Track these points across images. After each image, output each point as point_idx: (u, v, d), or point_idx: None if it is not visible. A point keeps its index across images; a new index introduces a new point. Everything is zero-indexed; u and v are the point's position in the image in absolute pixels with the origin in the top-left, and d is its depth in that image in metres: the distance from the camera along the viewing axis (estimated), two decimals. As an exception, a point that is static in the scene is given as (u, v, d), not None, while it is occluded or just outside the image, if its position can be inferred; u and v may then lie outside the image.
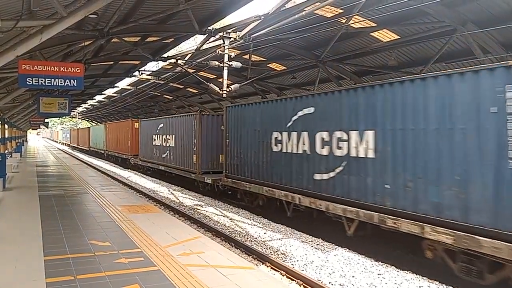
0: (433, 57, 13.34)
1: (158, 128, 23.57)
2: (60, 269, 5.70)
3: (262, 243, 10.22)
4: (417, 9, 10.50)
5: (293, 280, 7.73)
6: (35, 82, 9.24)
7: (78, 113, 54.55)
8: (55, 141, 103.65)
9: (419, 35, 12.66)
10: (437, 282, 7.63)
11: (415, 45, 13.80)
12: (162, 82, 23.88)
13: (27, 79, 9.17)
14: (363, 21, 12.31)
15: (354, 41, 14.72)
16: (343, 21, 12.49)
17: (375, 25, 12.75)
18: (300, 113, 11.91)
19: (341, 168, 10.21)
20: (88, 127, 51.19)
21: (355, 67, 16.85)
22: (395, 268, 8.42)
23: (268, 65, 18.98)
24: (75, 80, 9.70)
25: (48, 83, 9.38)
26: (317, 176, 11.02)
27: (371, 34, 13.58)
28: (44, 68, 9.37)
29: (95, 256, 6.35)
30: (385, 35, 13.47)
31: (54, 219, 9.08)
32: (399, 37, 13.30)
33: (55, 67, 9.48)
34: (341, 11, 12.07)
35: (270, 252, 9.49)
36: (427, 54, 13.86)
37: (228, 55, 13.21)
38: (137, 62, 19.54)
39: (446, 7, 10.75)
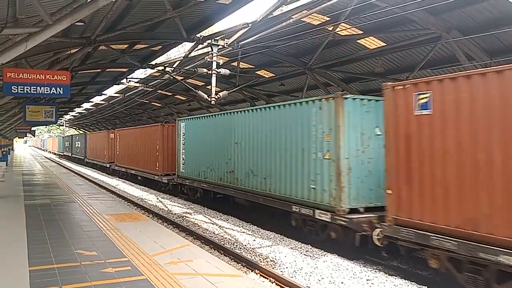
0: (419, 63, 13.51)
1: None
2: (45, 279, 5.60)
3: (251, 250, 10.18)
4: (403, 16, 10.66)
5: (282, 287, 7.71)
6: (21, 90, 9.13)
7: (66, 121, 54.06)
8: (49, 151, 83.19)
9: (405, 42, 12.83)
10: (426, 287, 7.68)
11: (401, 52, 13.98)
12: (150, 90, 23.77)
13: (12, 87, 9.07)
14: (349, 28, 12.44)
15: (341, 48, 14.86)
16: (330, 29, 12.61)
17: (362, 32, 12.89)
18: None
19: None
20: (154, 125, 23.61)
21: (343, 74, 16.99)
22: (384, 274, 8.45)
23: (256, 72, 19.04)
24: (62, 88, 9.61)
25: (33, 91, 9.28)
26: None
27: (358, 41, 13.73)
28: (29, 76, 9.27)
29: (81, 266, 6.27)
30: (372, 42, 13.63)
31: (40, 228, 8.94)
32: (385, 44, 13.46)
33: (41, 75, 9.39)
34: (328, 18, 12.19)
35: (259, 259, 9.45)
36: (413, 61, 14.05)
37: (216, 62, 13.23)
38: (125, 70, 19.46)
39: (431, 15, 10.92)
